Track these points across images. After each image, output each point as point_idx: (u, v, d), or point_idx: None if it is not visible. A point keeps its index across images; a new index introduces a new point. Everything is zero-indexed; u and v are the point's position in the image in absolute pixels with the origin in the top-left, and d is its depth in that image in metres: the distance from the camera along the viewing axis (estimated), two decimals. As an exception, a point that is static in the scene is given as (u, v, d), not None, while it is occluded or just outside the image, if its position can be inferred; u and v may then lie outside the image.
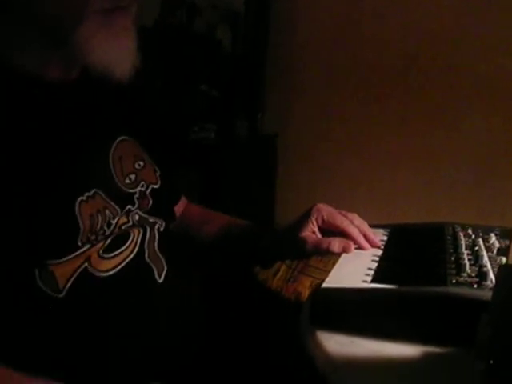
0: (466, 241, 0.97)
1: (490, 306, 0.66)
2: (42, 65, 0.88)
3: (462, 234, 1.01)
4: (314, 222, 1.05)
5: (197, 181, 2.40)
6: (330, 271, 0.89)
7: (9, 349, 0.79)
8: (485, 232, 1.04)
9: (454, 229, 1.05)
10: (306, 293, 1.25)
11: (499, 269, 0.77)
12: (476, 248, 0.91)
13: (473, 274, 0.81)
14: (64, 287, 0.81)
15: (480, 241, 0.97)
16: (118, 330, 0.86)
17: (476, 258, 0.87)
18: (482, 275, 0.79)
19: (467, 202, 2.25)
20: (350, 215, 1.06)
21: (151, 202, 0.98)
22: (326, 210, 1.05)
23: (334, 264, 0.94)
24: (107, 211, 0.87)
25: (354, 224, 1.04)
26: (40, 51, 0.87)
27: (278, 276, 1.48)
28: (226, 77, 2.76)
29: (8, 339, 0.80)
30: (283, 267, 1.54)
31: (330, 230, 1.04)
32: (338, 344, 0.72)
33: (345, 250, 0.99)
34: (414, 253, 0.98)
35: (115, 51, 0.87)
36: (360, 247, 1.01)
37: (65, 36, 0.84)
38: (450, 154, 2.42)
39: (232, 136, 2.71)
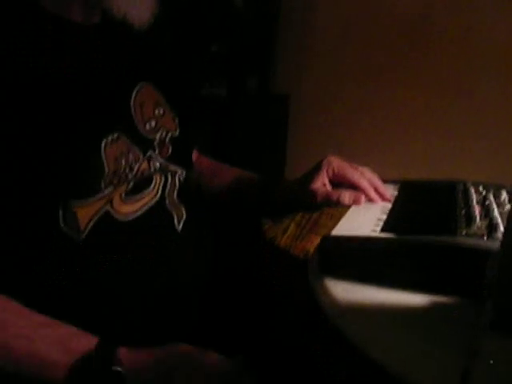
0: (477, 196, 0.97)
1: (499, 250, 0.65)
2: (65, 7, 0.88)
3: (473, 190, 1.01)
4: (325, 174, 1.05)
5: (206, 136, 2.39)
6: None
7: (29, 292, 0.79)
8: (496, 189, 1.03)
9: (465, 185, 1.04)
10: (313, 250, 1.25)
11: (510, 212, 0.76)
12: (487, 202, 0.91)
13: (483, 227, 0.81)
14: (85, 228, 0.81)
15: (491, 196, 0.97)
16: (136, 273, 0.87)
17: (487, 211, 0.87)
18: (492, 228, 0.79)
19: (480, 168, 2.23)
20: (361, 168, 1.05)
21: (170, 149, 0.98)
22: (337, 163, 1.05)
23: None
24: (130, 155, 0.88)
25: (365, 177, 1.03)
26: None
27: (286, 234, 1.48)
28: (237, 34, 2.73)
29: (29, 282, 0.81)
30: (292, 225, 1.54)
31: (340, 183, 1.04)
32: (346, 291, 0.72)
33: (355, 202, 0.98)
34: (425, 206, 0.97)
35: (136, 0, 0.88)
36: (370, 200, 1.01)
37: None
38: (463, 119, 2.39)
39: (243, 93, 2.69)
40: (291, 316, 0.97)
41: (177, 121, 1.03)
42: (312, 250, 1.27)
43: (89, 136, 0.83)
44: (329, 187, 1.05)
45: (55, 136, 0.79)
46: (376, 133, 2.60)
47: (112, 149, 0.84)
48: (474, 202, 0.92)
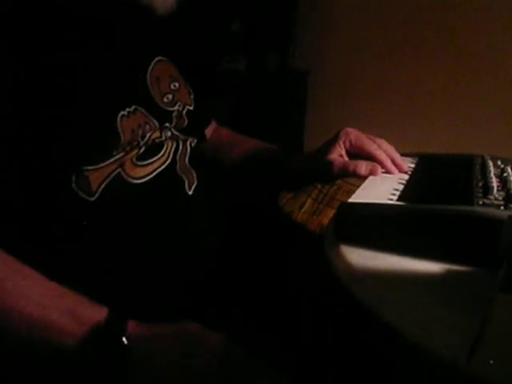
0: (494, 169, 0.96)
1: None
2: None
3: (491, 164, 1.00)
4: (342, 145, 1.05)
5: (224, 111, 2.39)
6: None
7: (37, 253, 0.80)
8: (515, 163, 1.03)
9: (483, 159, 1.04)
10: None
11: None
12: (505, 174, 0.90)
13: (500, 198, 0.81)
14: (97, 190, 0.82)
15: (509, 169, 0.96)
16: (146, 237, 0.88)
17: (504, 183, 0.86)
18: (509, 199, 0.79)
19: (500, 144, 2.22)
20: (378, 140, 1.05)
21: (186, 122, 1.00)
22: (354, 134, 1.05)
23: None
24: (147, 126, 0.89)
25: (382, 148, 1.03)
26: None
27: (303, 209, 1.48)
28: (258, 10, 2.72)
29: (38, 243, 0.82)
30: (309, 200, 1.54)
31: (357, 154, 1.04)
32: (362, 257, 0.72)
33: (371, 173, 0.98)
34: (442, 178, 0.97)
35: None
36: (387, 171, 1.01)
37: None
38: (485, 93, 2.37)
39: (262, 69, 2.69)
40: (306, 287, 0.98)
41: (192, 95, 1.04)
42: (325, 222, 1.28)
43: (104, 108, 0.84)
44: (346, 158, 1.05)
45: (73, 105, 0.80)
46: (396, 109, 2.58)
47: (129, 121, 0.86)
48: (492, 174, 0.91)
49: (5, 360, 0.76)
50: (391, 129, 2.52)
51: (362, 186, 0.92)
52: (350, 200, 0.81)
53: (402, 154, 1.09)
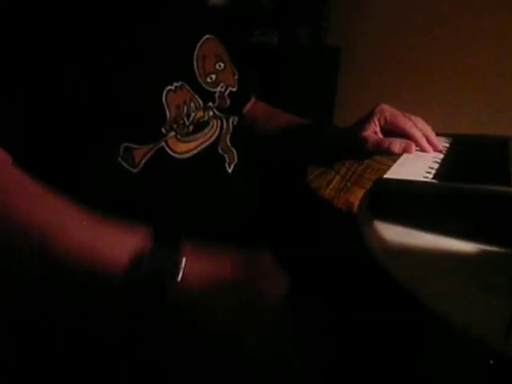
0: (530, 152, 0.95)
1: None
2: None
3: (527, 146, 0.99)
4: (377, 122, 1.04)
5: (256, 83, 2.39)
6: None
7: None
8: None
9: (518, 141, 1.03)
10: (356, 204, 1.25)
11: None
12: (541, 158, 0.89)
13: (536, 181, 0.80)
14: (140, 162, 0.84)
15: (546, 152, 0.95)
16: (184, 211, 0.89)
17: (540, 166, 0.85)
18: (546, 181, 0.78)
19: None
20: (413, 118, 1.04)
21: (228, 102, 1.01)
22: (389, 111, 1.04)
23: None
24: (192, 104, 0.91)
25: (418, 126, 1.02)
26: None
27: (331, 186, 1.49)
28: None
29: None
30: (337, 177, 1.55)
31: (392, 131, 1.03)
32: (396, 234, 0.73)
33: (405, 150, 0.98)
34: (477, 158, 0.96)
35: None
36: (422, 150, 1.00)
37: None
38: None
39: (294, 43, 2.67)
40: (336, 263, 0.98)
41: (236, 76, 1.04)
42: (356, 202, 1.28)
43: (151, 82, 0.85)
44: (380, 135, 1.04)
45: (122, 78, 0.81)
46: (428, 87, 2.56)
47: (175, 96, 0.87)
48: (528, 156, 0.91)
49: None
50: (424, 108, 2.50)
51: (398, 162, 0.91)
52: (386, 176, 0.80)
53: (437, 134, 1.08)
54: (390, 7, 2.65)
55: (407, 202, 0.75)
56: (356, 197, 1.41)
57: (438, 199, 0.74)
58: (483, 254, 0.70)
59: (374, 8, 2.71)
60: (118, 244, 0.74)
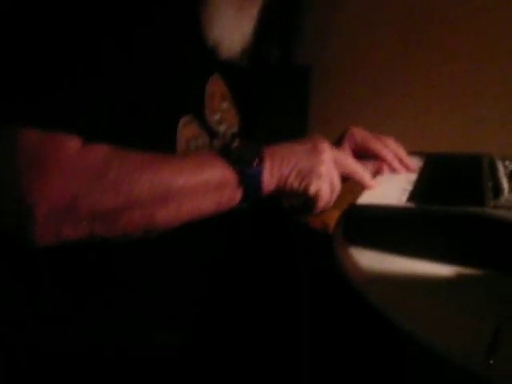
0: (503, 169, 0.96)
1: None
2: None
3: (500, 163, 0.99)
4: (348, 146, 1.04)
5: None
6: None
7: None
8: (523, 163, 1.02)
9: (491, 158, 1.03)
10: (332, 224, 1.24)
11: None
12: (514, 175, 0.89)
13: (511, 200, 0.80)
14: None
15: (518, 169, 0.96)
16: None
17: (514, 184, 0.86)
18: (521, 201, 0.78)
19: (505, 140, 2.21)
20: (384, 139, 1.04)
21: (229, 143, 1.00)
22: (359, 134, 1.04)
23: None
24: (200, 140, 0.91)
25: (389, 147, 1.02)
26: None
27: (305, 207, 1.47)
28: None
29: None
30: (311, 197, 1.53)
31: (364, 154, 1.03)
32: (372, 259, 0.72)
33: (378, 172, 0.98)
34: (451, 178, 0.96)
35: (232, 34, 0.94)
36: (394, 170, 1.00)
37: None
38: (488, 90, 2.36)
39: (264, 64, 2.68)
40: (312, 286, 0.97)
41: (238, 117, 1.05)
42: (331, 222, 1.27)
43: (167, 112, 0.86)
44: None
45: (140, 110, 0.82)
46: (399, 103, 2.57)
47: (186, 130, 0.87)
48: (501, 174, 0.91)
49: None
50: (395, 124, 2.52)
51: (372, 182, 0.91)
52: (359, 201, 0.79)
53: (410, 153, 1.08)
54: (361, 25, 2.67)
55: (382, 226, 0.75)
56: (331, 217, 1.40)
57: (412, 223, 0.74)
58: (460, 276, 0.70)
59: (344, 26, 2.72)
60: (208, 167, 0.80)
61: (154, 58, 0.85)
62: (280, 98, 2.70)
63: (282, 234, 1.19)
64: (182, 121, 0.86)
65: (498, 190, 0.82)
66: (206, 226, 0.91)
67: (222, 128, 0.98)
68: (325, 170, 0.86)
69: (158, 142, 0.83)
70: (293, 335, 0.88)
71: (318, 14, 2.78)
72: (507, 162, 1.02)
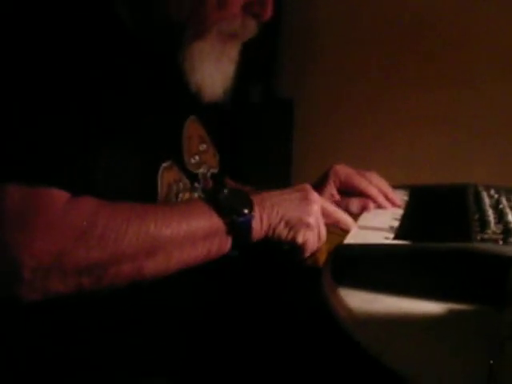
0: (489, 200, 0.96)
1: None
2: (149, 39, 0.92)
3: (485, 194, 0.99)
4: (332, 184, 1.05)
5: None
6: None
7: None
8: (508, 192, 1.02)
9: (476, 189, 1.03)
10: (322, 258, 1.24)
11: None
12: (500, 206, 0.89)
13: (498, 231, 0.79)
14: None
15: (504, 200, 0.95)
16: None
17: (500, 215, 0.85)
18: (507, 232, 0.78)
19: (486, 164, 2.22)
20: (368, 174, 1.05)
21: (211, 183, 1.00)
22: (343, 172, 1.05)
23: (351, 229, 0.93)
24: (181, 184, 0.90)
25: (373, 183, 1.02)
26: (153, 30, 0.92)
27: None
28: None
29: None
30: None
31: (349, 191, 1.03)
32: (361, 300, 0.71)
33: (363, 209, 0.98)
34: (437, 211, 0.96)
35: (214, 78, 0.93)
36: (380, 206, 1.00)
37: (182, 42, 0.90)
38: (468, 115, 2.38)
39: (246, 99, 2.69)
40: (301, 322, 0.97)
41: (217, 157, 1.05)
42: (321, 257, 1.26)
43: (149, 160, 0.85)
44: (337, 197, 1.04)
45: (118, 156, 0.81)
46: (382, 135, 2.58)
47: (167, 174, 0.87)
48: (487, 205, 0.91)
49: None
50: (378, 152, 2.53)
51: (357, 223, 0.90)
52: (346, 241, 0.79)
53: (394, 187, 1.08)
54: (340, 55, 2.69)
55: (370, 266, 0.74)
56: (321, 251, 1.39)
57: (400, 261, 0.74)
58: (450, 313, 0.70)
59: (324, 58, 2.75)
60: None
61: (132, 107, 0.85)
62: (264, 131, 2.72)
63: (271, 271, 1.18)
64: (163, 166, 0.86)
65: (484, 223, 0.81)
66: (196, 272, 0.90)
67: (201, 170, 0.98)
68: (313, 221, 0.88)
69: (140, 188, 0.83)
70: (282, 377, 0.86)
71: (298, 47, 2.80)
72: (492, 191, 1.02)
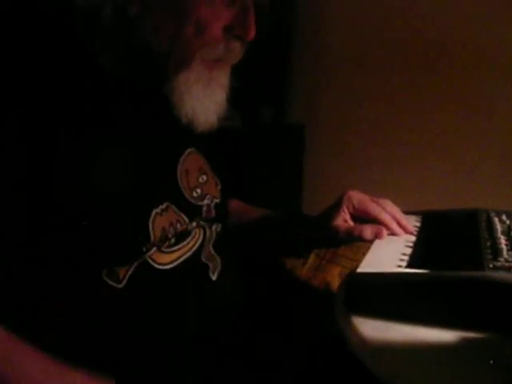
0: (501, 226, 0.95)
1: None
2: (132, 76, 0.91)
3: (496, 220, 0.99)
4: (346, 210, 1.05)
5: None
6: (359, 260, 0.88)
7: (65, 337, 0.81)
8: (519, 217, 1.02)
9: (488, 214, 1.03)
10: (335, 282, 1.24)
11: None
12: (512, 233, 0.89)
13: (510, 259, 0.79)
14: (124, 278, 0.82)
15: (515, 226, 0.95)
16: (169, 320, 0.87)
17: (512, 242, 0.85)
18: (520, 260, 0.78)
19: (499, 191, 2.22)
20: (381, 201, 1.05)
21: (214, 213, 0.99)
22: (357, 198, 1.05)
23: (363, 253, 0.93)
24: (178, 224, 0.89)
25: (386, 210, 1.03)
26: (136, 65, 0.90)
27: (307, 265, 1.48)
28: (250, 65, 2.73)
29: (67, 328, 0.82)
30: (312, 256, 1.54)
31: (362, 217, 1.04)
32: (374, 329, 0.71)
33: (377, 236, 0.98)
34: (449, 238, 0.96)
35: (205, 106, 0.90)
36: (393, 233, 1.00)
37: (167, 74, 0.88)
38: (481, 141, 2.38)
39: (257, 125, 2.70)
40: (313, 348, 0.97)
41: (219, 187, 1.03)
42: (332, 280, 1.27)
43: (137, 209, 0.84)
44: (350, 222, 1.04)
45: (104, 206, 0.80)
46: (394, 160, 2.59)
47: (162, 219, 0.86)
48: (499, 232, 0.91)
49: None
50: (390, 177, 2.53)
51: (370, 251, 0.91)
52: (359, 269, 0.79)
53: (406, 212, 1.08)
54: (352, 80, 2.70)
55: (382, 295, 0.75)
56: (332, 275, 1.40)
57: (413, 289, 0.74)
58: (464, 341, 0.70)
59: (336, 82, 2.76)
60: None
61: (119, 154, 0.84)
62: (275, 156, 2.72)
63: (283, 296, 1.19)
64: (155, 212, 0.85)
65: (496, 250, 0.82)
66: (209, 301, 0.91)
67: (205, 202, 0.97)
68: None
69: (131, 234, 0.82)
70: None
71: (308, 72, 2.82)
72: (504, 217, 1.02)
